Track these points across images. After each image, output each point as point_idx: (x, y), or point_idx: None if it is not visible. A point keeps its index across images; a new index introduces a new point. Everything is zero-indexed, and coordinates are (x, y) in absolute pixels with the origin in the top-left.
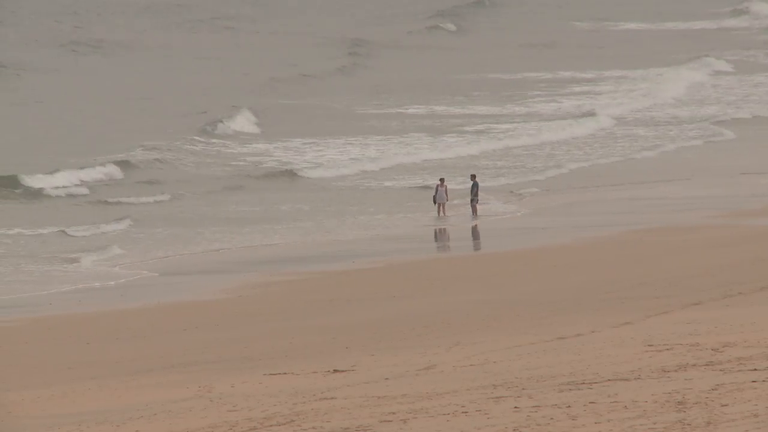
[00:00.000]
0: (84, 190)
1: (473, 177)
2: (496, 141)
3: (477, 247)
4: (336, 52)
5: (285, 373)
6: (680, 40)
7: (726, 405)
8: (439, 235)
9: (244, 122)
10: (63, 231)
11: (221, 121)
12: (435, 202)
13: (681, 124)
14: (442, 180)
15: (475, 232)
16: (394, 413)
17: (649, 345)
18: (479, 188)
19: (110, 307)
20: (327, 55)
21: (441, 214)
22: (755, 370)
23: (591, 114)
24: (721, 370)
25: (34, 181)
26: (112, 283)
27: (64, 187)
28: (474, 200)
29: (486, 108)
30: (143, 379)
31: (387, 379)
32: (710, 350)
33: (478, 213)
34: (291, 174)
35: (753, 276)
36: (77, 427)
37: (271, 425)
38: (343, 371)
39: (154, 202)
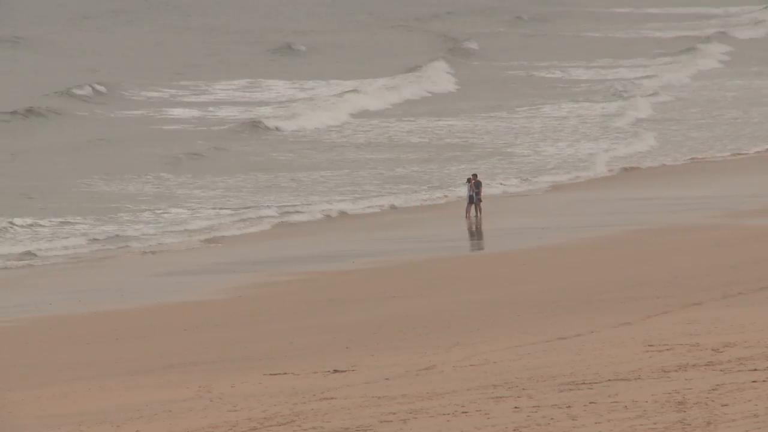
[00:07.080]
0: None
1: (475, 176)
2: None
3: (477, 247)
4: None
5: (285, 373)
6: None
7: (726, 405)
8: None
9: None
10: None
11: None
12: (471, 202)
13: None
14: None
15: (476, 232)
16: (394, 413)
17: (649, 345)
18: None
19: (110, 307)
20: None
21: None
22: (755, 370)
23: None
24: (721, 370)
25: None
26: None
27: None
28: (478, 200)
29: None
30: (143, 379)
31: (387, 379)
32: (710, 350)
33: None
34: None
35: (753, 276)
36: (77, 427)
37: (271, 425)
38: (343, 371)
39: None
